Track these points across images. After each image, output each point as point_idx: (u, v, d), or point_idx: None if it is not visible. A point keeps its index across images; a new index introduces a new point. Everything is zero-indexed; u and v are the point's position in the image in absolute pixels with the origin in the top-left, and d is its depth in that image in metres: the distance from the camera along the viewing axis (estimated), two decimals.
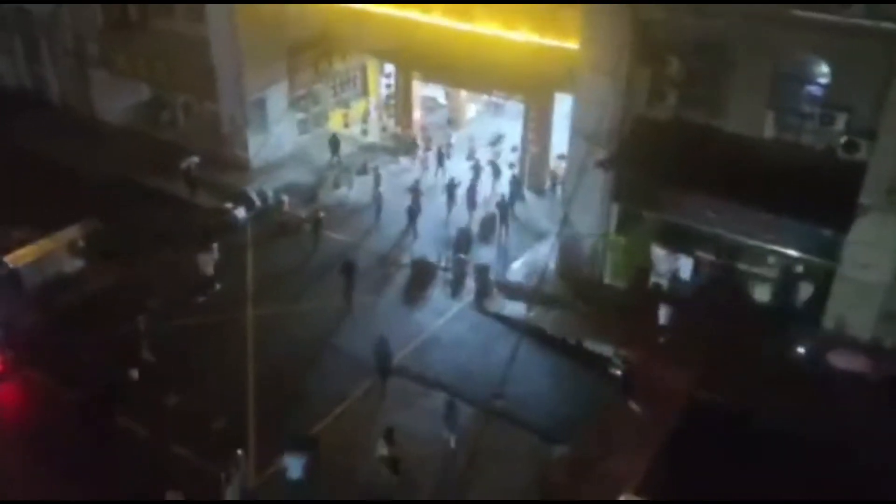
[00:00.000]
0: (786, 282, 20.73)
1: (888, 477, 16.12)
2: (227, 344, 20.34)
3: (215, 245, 22.86)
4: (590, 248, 22.29)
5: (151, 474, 16.35)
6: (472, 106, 33.64)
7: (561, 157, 26.35)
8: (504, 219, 25.15)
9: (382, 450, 16.29)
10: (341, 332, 20.99)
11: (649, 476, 16.08)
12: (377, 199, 26.44)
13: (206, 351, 20.06)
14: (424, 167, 29.42)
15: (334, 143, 29.93)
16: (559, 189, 25.67)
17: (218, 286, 22.51)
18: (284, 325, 21.17)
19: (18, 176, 27.18)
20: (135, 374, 19.12)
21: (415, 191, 26.06)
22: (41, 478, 16.49)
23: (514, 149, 29.55)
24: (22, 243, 22.38)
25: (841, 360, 18.98)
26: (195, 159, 27.52)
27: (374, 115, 33.08)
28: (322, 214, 24.86)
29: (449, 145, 30.20)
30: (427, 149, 30.37)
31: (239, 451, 16.05)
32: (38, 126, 31.54)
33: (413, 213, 25.31)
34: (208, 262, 22.56)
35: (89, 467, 16.66)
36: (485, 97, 32.45)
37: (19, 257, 21.79)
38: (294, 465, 15.92)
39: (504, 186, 26.88)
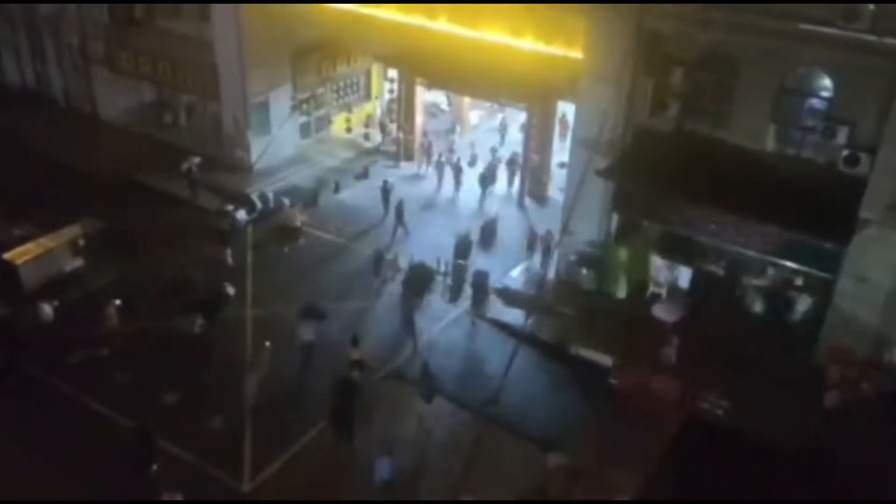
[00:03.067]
0: (785, 294, 20.75)
1: (882, 494, 16.13)
2: (226, 343, 20.31)
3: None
4: (589, 256, 22.29)
5: (146, 473, 16.36)
6: (475, 112, 33.81)
7: (562, 165, 26.44)
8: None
9: (353, 354, 18.59)
10: (339, 335, 20.93)
11: (645, 487, 16.07)
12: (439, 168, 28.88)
13: (204, 350, 20.01)
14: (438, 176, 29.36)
15: (383, 125, 32.19)
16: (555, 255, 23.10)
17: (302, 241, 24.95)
18: (283, 326, 21.13)
19: (20, 173, 27.21)
20: (230, 289, 21.10)
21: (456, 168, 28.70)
22: (38, 476, 16.42)
23: (493, 150, 30.67)
24: (22, 241, 22.45)
25: (661, 312, 20.55)
26: (196, 160, 27.54)
27: (378, 118, 33.18)
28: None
29: (451, 151, 30.32)
30: (428, 154, 30.46)
31: (267, 343, 18.94)
32: (40, 124, 31.57)
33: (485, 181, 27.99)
34: (295, 215, 25.36)
35: (86, 466, 16.58)
36: (487, 104, 32.57)
37: (19, 255, 21.81)
38: (306, 330, 19.43)
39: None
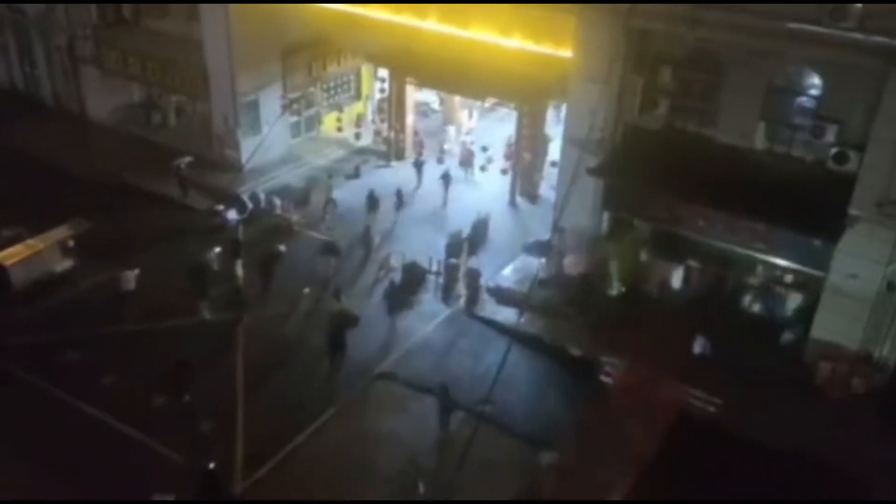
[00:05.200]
0: (775, 291, 20.84)
1: (873, 491, 16.22)
2: (217, 346, 20.26)
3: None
4: (580, 254, 22.32)
5: (138, 475, 16.30)
6: (466, 111, 33.76)
7: (553, 163, 26.49)
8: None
9: (334, 306, 20.36)
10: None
11: (637, 485, 16.11)
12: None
13: (195, 353, 19.93)
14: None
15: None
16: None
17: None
18: (275, 327, 21.14)
19: (8, 175, 27.05)
20: (282, 247, 23.20)
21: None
22: (25, 479, 16.32)
23: (484, 148, 31.00)
24: (11, 242, 22.30)
25: (569, 265, 22.15)
26: (187, 159, 27.44)
27: (369, 118, 33.13)
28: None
29: (442, 151, 30.46)
30: (419, 154, 30.46)
31: (306, 290, 21.73)
32: (29, 125, 31.40)
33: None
34: (331, 188, 27.69)
35: (74, 468, 16.54)
36: (479, 103, 32.54)
37: (8, 256, 21.68)
38: (325, 265, 23.10)
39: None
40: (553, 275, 22.45)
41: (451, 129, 32.49)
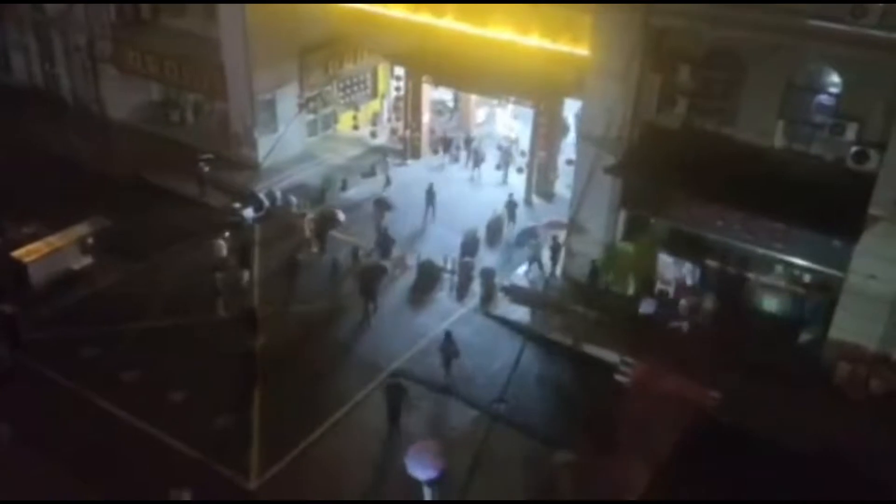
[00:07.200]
0: (793, 291, 20.66)
1: (891, 493, 16.07)
2: (233, 342, 20.35)
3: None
4: (596, 253, 22.24)
5: (154, 471, 16.43)
6: (481, 110, 33.71)
7: (569, 162, 26.40)
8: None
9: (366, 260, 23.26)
10: (347, 333, 21.02)
11: (652, 485, 16.04)
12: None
13: (211, 349, 20.06)
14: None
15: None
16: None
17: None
18: (290, 324, 21.23)
19: (29, 172, 27.32)
20: (341, 215, 25.13)
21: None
22: (45, 474, 16.47)
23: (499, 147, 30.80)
24: (31, 239, 22.54)
25: (544, 231, 23.26)
26: (210, 156, 27.59)
27: (385, 117, 33.16)
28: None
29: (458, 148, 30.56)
30: (435, 151, 30.49)
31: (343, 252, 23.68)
32: (49, 123, 31.69)
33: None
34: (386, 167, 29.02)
35: (94, 464, 16.69)
36: (494, 101, 32.49)
37: (28, 253, 21.90)
38: (381, 217, 24.93)
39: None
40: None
41: (497, 124, 32.84)
